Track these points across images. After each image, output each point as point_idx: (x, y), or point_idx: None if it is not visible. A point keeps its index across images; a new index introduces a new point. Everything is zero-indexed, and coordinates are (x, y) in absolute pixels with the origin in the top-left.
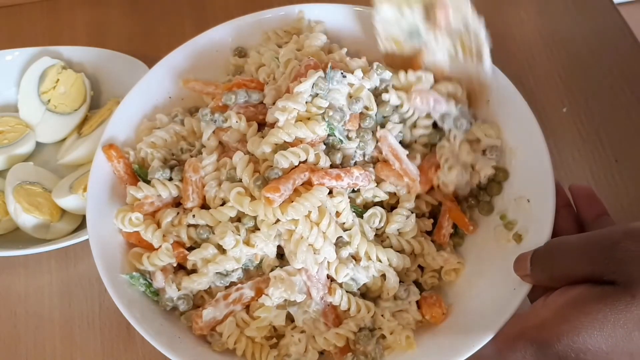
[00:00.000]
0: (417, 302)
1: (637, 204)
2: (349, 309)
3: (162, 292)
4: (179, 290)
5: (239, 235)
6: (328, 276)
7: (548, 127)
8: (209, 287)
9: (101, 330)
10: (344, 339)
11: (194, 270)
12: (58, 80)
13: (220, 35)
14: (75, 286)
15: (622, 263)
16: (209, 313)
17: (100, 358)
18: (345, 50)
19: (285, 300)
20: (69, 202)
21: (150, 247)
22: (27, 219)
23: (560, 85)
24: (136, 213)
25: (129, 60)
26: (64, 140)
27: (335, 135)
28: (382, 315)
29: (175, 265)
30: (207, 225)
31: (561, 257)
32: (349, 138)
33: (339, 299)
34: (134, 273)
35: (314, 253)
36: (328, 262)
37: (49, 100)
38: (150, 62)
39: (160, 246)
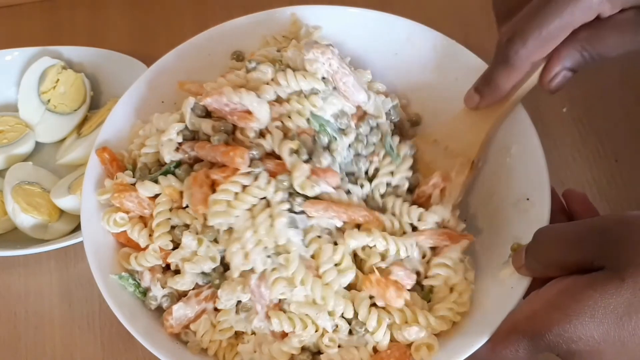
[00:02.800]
0: None
1: (637, 204)
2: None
3: (148, 291)
4: (163, 289)
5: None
6: None
7: (548, 127)
8: (194, 287)
9: (101, 330)
10: (287, 355)
11: (179, 271)
12: (58, 80)
13: (214, 37)
14: (75, 286)
15: (611, 247)
16: (179, 309)
17: (100, 358)
18: (348, 59)
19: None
20: (67, 202)
21: (138, 247)
22: (25, 219)
23: None
24: (120, 213)
25: (129, 61)
26: (63, 140)
27: (326, 132)
28: (325, 343)
29: (163, 265)
30: (185, 225)
31: (553, 243)
32: (344, 134)
33: (278, 326)
34: (123, 273)
35: (245, 258)
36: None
37: (48, 100)
38: (150, 62)
39: (147, 246)
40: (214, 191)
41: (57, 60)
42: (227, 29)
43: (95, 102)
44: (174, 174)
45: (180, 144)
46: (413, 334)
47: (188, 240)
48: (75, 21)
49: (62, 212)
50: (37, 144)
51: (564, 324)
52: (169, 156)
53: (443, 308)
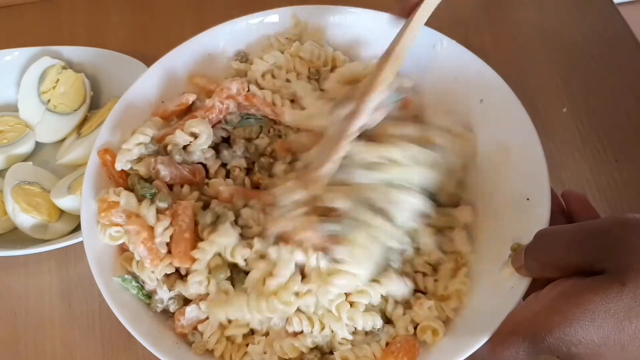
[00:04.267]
0: None
1: (637, 204)
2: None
3: (153, 293)
4: (170, 291)
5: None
6: None
7: (548, 127)
8: None
9: (101, 330)
10: (297, 351)
11: (183, 274)
12: (58, 80)
13: (214, 37)
14: (75, 286)
15: (612, 251)
16: (192, 310)
17: (100, 358)
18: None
19: None
20: (67, 202)
21: None
22: (25, 219)
23: (560, 85)
24: (115, 227)
25: (129, 61)
26: (63, 140)
27: None
28: (339, 341)
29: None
30: None
31: (552, 244)
32: None
33: (298, 326)
34: (126, 276)
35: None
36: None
37: (48, 100)
38: (150, 62)
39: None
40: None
41: (58, 60)
42: (228, 28)
43: (95, 102)
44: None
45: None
46: (425, 309)
47: (194, 288)
48: (75, 21)
49: (62, 212)
50: (37, 144)
51: (565, 327)
52: (120, 165)
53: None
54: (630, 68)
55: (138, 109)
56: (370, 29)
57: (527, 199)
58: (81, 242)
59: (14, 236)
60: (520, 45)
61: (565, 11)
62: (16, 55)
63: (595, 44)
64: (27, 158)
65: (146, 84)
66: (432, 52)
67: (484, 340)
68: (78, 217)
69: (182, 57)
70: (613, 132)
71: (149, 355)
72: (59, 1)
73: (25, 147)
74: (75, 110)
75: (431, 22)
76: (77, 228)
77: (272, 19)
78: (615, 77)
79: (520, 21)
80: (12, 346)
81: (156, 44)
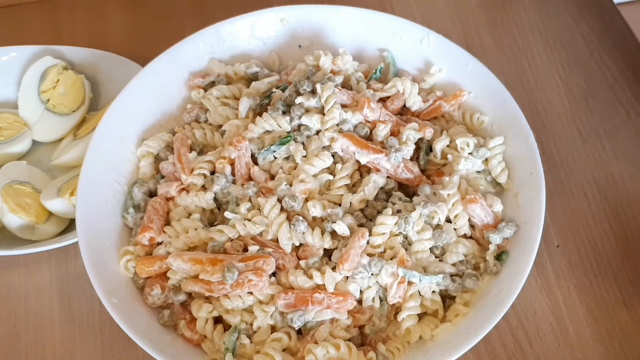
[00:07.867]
0: None
1: (637, 204)
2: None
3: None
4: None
5: None
6: None
7: (548, 127)
8: None
9: (101, 330)
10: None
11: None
12: (58, 80)
13: (214, 34)
14: (75, 286)
15: None
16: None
17: (100, 358)
18: (350, 56)
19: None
20: (55, 205)
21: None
22: (12, 219)
23: (560, 85)
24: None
25: (129, 64)
26: (60, 140)
27: None
28: None
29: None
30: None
31: None
32: None
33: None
34: None
35: None
36: None
37: (48, 100)
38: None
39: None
40: None
41: (59, 60)
42: (227, 26)
43: (94, 104)
44: None
45: None
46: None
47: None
48: (75, 22)
49: (50, 214)
50: (34, 142)
51: None
52: None
53: None
54: (630, 68)
55: (130, 113)
56: (362, 26)
57: (519, 195)
58: (76, 243)
59: (2, 235)
60: (520, 46)
61: (565, 11)
62: (17, 54)
63: (595, 44)
64: (22, 157)
65: (139, 87)
66: (418, 45)
67: (481, 337)
68: (66, 219)
69: (180, 54)
70: (613, 132)
71: (149, 355)
72: (59, 1)
73: (22, 146)
74: (74, 111)
75: (431, 23)
76: (65, 230)
77: (268, 17)
78: (615, 77)
79: (520, 21)
80: (12, 346)
81: (156, 45)
